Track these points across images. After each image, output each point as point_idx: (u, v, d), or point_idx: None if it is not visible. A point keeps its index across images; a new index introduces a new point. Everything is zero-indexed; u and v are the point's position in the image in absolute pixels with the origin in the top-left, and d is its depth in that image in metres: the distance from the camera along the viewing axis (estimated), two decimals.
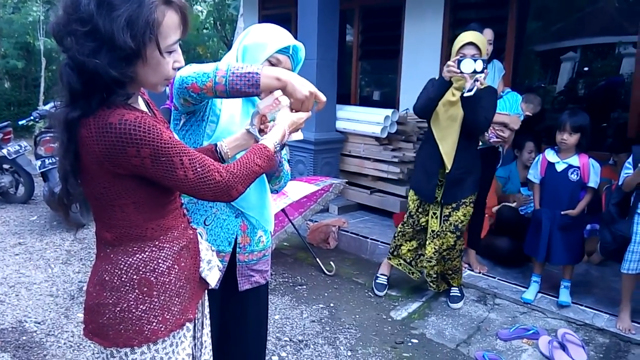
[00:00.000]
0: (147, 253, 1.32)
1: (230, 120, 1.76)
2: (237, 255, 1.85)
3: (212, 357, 1.63)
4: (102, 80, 1.15)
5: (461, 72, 3.10)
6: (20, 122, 6.01)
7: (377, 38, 7.04)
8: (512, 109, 3.95)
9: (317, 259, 4.33)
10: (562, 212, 3.50)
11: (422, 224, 3.58)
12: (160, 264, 1.33)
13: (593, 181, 3.48)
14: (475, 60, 3.07)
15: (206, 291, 1.58)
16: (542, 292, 3.74)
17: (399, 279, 4.15)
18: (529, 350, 3.13)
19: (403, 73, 6.26)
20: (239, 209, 1.81)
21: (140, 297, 1.30)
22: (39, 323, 3.32)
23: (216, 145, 1.59)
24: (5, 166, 6.26)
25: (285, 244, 4.84)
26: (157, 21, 1.18)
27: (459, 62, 3.09)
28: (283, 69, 1.51)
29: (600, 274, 4.18)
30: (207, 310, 1.61)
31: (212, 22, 16.39)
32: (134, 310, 1.29)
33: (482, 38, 3.27)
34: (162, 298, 1.33)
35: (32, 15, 12.09)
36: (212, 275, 1.51)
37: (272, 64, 1.75)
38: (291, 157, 5.50)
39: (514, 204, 4.51)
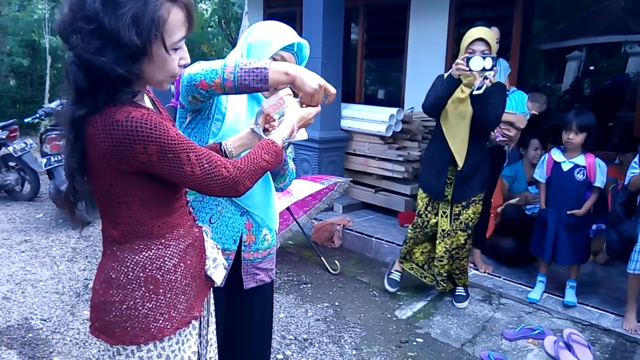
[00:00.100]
0: (153, 251, 1.32)
1: (236, 119, 1.76)
2: (242, 253, 1.85)
3: (217, 355, 1.63)
4: (108, 78, 1.16)
5: (470, 70, 3.06)
6: (25, 120, 6.03)
7: (382, 36, 7.02)
8: (518, 108, 3.93)
9: (322, 258, 4.32)
10: (568, 212, 3.49)
11: (432, 225, 3.54)
12: (167, 262, 1.34)
13: (599, 181, 3.46)
14: (484, 58, 3.02)
15: (211, 289, 1.58)
16: (548, 292, 3.73)
17: (404, 279, 4.13)
18: (534, 350, 3.12)
19: (408, 72, 6.25)
20: (244, 207, 1.81)
21: (146, 294, 1.30)
22: (44, 320, 3.33)
23: (220, 144, 1.59)
24: (11, 164, 6.28)
25: (290, 242, 4.84)
26: (163, 18, 1.18)
27: (468, 59, 3.04)
28: (291, 64, 1.51)
29: (606, 274, 4.17)
30: (212, 308, 1.61)
31: (216, 20, 16.39)
32: (140, 308, 1.30)
33: (491, 34, 3.23)
34: (168, 296, 1.33)
35: (37, 13, 12.12)
36: (218, 273, 1.51)
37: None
38: (296, 156, 5.46)
39: (515, 200, 4.48)
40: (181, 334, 1.38)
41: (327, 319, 3.47)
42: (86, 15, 1.14)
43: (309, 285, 4.01)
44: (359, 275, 4.24)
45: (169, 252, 1.34)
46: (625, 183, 3.31)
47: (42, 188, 6.41)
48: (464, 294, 3.69)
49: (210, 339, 1.58)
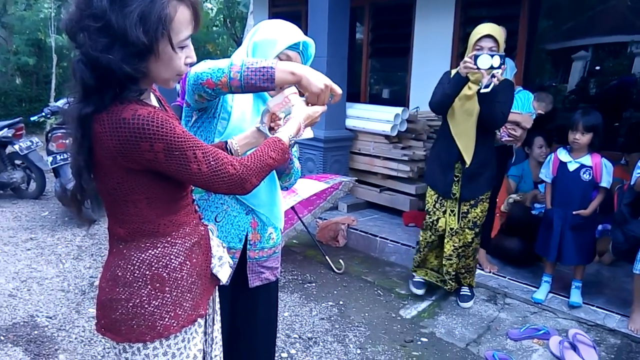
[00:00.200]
0: (159, 249, 1.32)
1: (242, 118, 1.76)
2: (247, 252, 1.85)
3: (222, 353, 1.63)
4: (115, 76, 1.16)
5: (478, 69, 3.04)
6: (31, 119, 6.06)
7: (387, 36, 7.01)
8: (524, 108, 3.92)
9: (327, 257, 4.33)
10: (574, 212, 3.47)
11: (442, 225, 3.52)
12: (173, 260, 1.34)
13: (605, 181, 3.44)
14: (492, 56, 3.00)
15: (217, 287, 1.59)
16: (553, 292, 3.71)
17: (407, 277, 4.13)
18: (539, 351, 3.12)
19: (413, 71, 6.24)
20: (249, 206, 1.82)
21: (152, 292, 1.31)
22: (50, 318, 3.34)
23: (226, 142, 1.60)
24: (17, 162, 6.31)
25: (294, 241, 4.84)
26: (170, 16, 1.18)
27: (476, 57, 3.02)
28: (297, 63, 1.51)
29: (612, 274, 4.15)
30: (217, 306, 1.61)
31: (222, 19, 16.43)
32: (146, 306, 1.30)
33: (499, 30, 3.19)
34: (174, 294, 1.34)
35: (43, 12, 12.18)
36: (223, 271, 1.51)
37: (282, 61, 1.75)
38: (301, 155, 5.50)
39: (517, 196, 4.46)
40: (187, 332, 1.38)
41: (332, 318, 3.47)
42: (93, 13, 1.14)
43: (314, 284, 4.01)
44: (363, 274, 4.23)
45: (175, 250, 1.35)
46: (632, 183, 3.30)
47: (47, 186, 6.43)
48: (469, 293, 3.68)
49: (216, 337, 1.58)
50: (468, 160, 3.32)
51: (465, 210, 3.45)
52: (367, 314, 3.55)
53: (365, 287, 4.00)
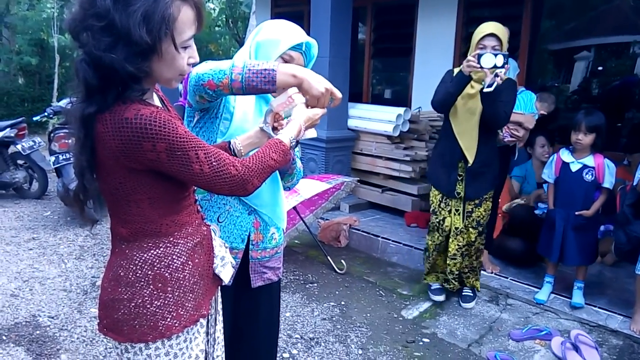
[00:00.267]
0: (161, 249, 1.32)
1: (244, 118, 1.76)
2: (250, 252, 1.85)
3: (224, 353, 1.63)
4: (118, 75, 1.16)
5: (481, 68, 3.03)
6: (34, 118, 6.07)
7: (389, 36, 7.01)
8: (526, 108, 3.91)
9: (328, 257, 4.33)
10: (577, 213, 3.47)
11: (447, 225, 3.50)
12: (175, 260, 1.34)
13: (608, 182, 3.44)
14: (495, 55, 2.99)
15: (219, 287, 1.59)
16: (555, 292, 3.71)
17: (409, 278, 4.14)
18: (541, 351, 3.11)
19: (415, 71, 6.24)
20: (252, 206, 1.82)
21: (154, 292, 1.31)
22: (52, 317, 3.35)
23: (229, 142, 1.60)
24: (20, 162, 6.32)
25: (296, 241, 4.84)
26: (173, 16, 1.18)
27: (479, 56, 3.01)
28: (299, 66, 1.51)
29: (614, 275, 4.14)
30: (220, 306, 1.61)
31: (224, 19, 16.44)
32: (148, 306, 1.30)
33: (503, 29, 3.18)
34: (176, 294, 1.34)
35: (46, 12, 12.19)
36: (226, 271, 1.51)
37: (285, 61, 1.75)
38: (303, 155, 5.50)
39: (522, 202, 4.46)
40: (189, 332, 1.38)
41: (334, 318, 3.47)
42: (97, 12, 1.14)
43: (315, 285, 4.01)
44: (365, 274, 4.23)
45: (177, 250, 1.35)
46: (634, 184, 3.29)
47: (50, 186, 6.45)
48: (471, 294, 3.67)
49: (218, 337, 1.58)
50: (470, 159, 3.32)
51: (470, 210, 3.44)
52: (368, 315, 3.54)
53: (367, 287, 4.00)
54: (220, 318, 1.61)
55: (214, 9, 16.75)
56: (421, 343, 3.20)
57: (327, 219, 5.08)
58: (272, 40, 1.75)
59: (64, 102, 5.87)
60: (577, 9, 5.75)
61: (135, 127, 1.16)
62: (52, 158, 5.45)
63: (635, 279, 3.31)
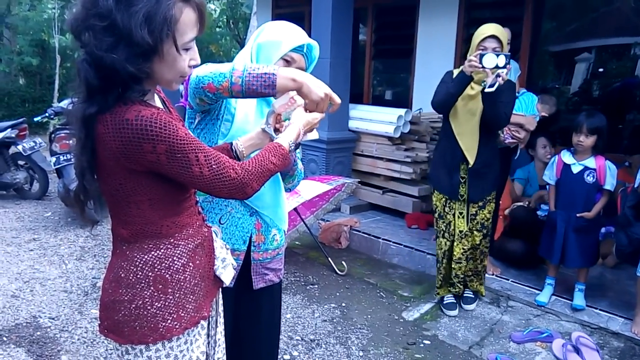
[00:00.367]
0: (162, 250, 1.32)
1: (245, 119, 1.76)
2: (251, 253, 1.85)
3: (225, 355, 1.63)
4: (118, 76, 1.16)
5: (483, 67, 3.02)
6: (35, 119, 6.07)
7: (390, 37, 7.01)
8: (528, 110, 3.91)
9: (329, 259, 4.32)
10: (578, 215, 3.46)
11: (454, 228, 3.47)
12: (175, 262, 1.34)
13: (609, 183, 3.43)
14: (497, 55, 2.99)
15: (220, 289, 1.58)
16: (556, 294, 3.70)
17: (410, 280, 4.14)
18: (542, 354, 3.10)
19: (416, 72, 6.24)
20: (253, 208, 1.82)
21: (155, 294, 1.30)
22: (53, 318, 3.35)
23: (231, 144, 1.60)
24: (20, 162, 6.32)
25: (297, 243, 4.84)
26: (175, 18, 1.18)
27: (481, 56, 3.01)
28: (299, 70, 1.51)
29: (615, 277, 4.14)
30: (221, 308, 1.61)
31: (225, 20, 16.45)
32: (149, 308, 1.30)
33: (503, 31, 3.18)
34: (177, 295, 1.33)
35: (47, 13, 12.21)
36: (227, 273, 1.51)
37: (286, 62, 1.75)
38: (303, 156, 5.49)
39: (525, 204, 4.46)
40: (190, 334, 1.38)
41: (334, 320, 3.47)
42: (99, 12, 1.14)
43: (316, 286, 4.00)
44: (366, 276, 4.23)
45: (178, 251, 1.34)
46: (635, 186, 3.29)
47: (51, 187, 6.45)
48: (472, 295, 3.66)
49: (219, 339, 1.58)
50: (471, 160, 3.31)
51: (474, 212, 3.43)
52: (369, 316, 3.54)
53: (367, 289, 3.99)
54: (221, 320, 1.61)
55: (215, 10, 16.76)
56: (422, 345, 3.19)
57: (327, 220, 5.08)
58: (273, 41, 1.75)
59: (64, 103, 5.87)
60: (578, 10, 5.75)
61: (136, 128, 1.16)
62: (53, 159, 5.45)
63: (636, 281, 3.31)
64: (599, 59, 5.92)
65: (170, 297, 1.32)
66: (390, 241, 4.68)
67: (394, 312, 3.61)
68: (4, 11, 12.72)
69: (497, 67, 3.00)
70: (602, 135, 3.39)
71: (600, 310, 3.52)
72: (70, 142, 5.15)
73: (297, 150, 1.92)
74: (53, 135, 5.58)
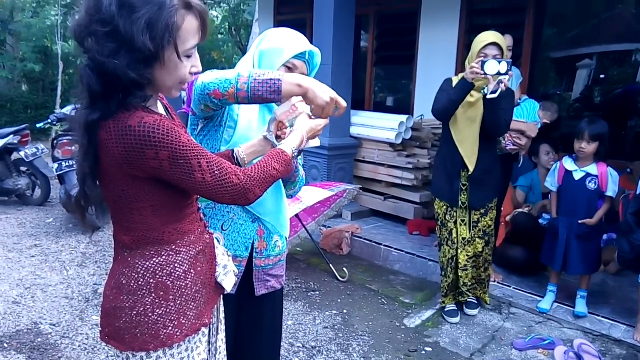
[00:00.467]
0: (164, 257, 1.32)
1: (248, 126, 1.76)
2: (253, 260, 1.85)
3: None
4: (120, 82, 1.16)
5: (485, 74, 3.03)
6: (37, 125, 6.09)
7: (392, 44, 7.04)
8: (529, 117, 3.92)
9: (330, 265, 4.31)
10: (580, 221, 3.46)
11: (456, 236, 3.46)
12: (177, 268, 1.33)
13: (611, 190, 3.43)
14: (499, 62, 3.00)
15: (222, 296, 1.58)
16: (558, 301, 3.69)
17: (412, 286, 4.13)
18: None
19: (418, 79, 6.25)
20: (255, 214, 1.82)
21: (156, 301, 1.30)
22: (54, 325, 3.34)
23: (233, 151, 1.60)
24: (23, 168, 6.33)
25: (298, 249, 4.83)
26: (177, 25, 1.19)
27: (483, 63, 3.02)
28: (304, 76, 1.52)
29: (618, 284, 4.12)
30: (222, 315, 1.61)
31: (227, 27, 16.49)
32: (150, 315, 1.29)
33: (502, 38, 3.20)
34: (178, 302, 1.33)
35: (50, 20, 12.27)
36: (228, 280, 1.51)
37: (288, 69, 1.76)
38: (305, 163, 5.50)
39: (526, 210, 4.46)
40: (190, 341, 1.37)
41: (336, 327, 3.46)
42: (102, 18, 1.15)
43: (318, 293, 4.00)
44: (367, 283, 4.22)
45: (180, 258, 1.34)
46: (638, 192, 3.28)
47: (52, 193, 6.46)
48: (475, 301, 3.65)
49: (220, 346, 1.58)
50: (471, 167, 3.31)
51: (476, 220, 3.43)
52: (371, 323, 3.53)
53: (369, 295, 3.99)
54: (222, 327, 1.60)
55: (217, 17, 16.81)
56: (424, 352, 3.18)
57: (329, 227, 5.07)
58: (275, 48, 1.76)
59: (67, 109, 5.89)
60: (579, 17, 5.76)
61: (139, 134, 1.17)
62: (55, 165, 5.45)
63: (638, 288, 3.29)
64: (600, 65, 5.93)
65: (172, 304, 1.32)
66: (391, 248, 4.67)
67: (396, 319, 3.60)
68: (7, 18, 12.78)
69: (499, 74, 3.01)
70: (604, 141, 3.39)
71: (602, 317, 3.51)
72: (73, 148, 5.16)
73: (299, 157, 1.92)
74: (55, 142, 5.58)
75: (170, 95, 1.32)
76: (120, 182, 1.24)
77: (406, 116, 5.25)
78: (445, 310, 3.60)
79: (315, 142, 1.63)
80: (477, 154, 3.31)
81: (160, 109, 1.37)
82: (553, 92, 6.11)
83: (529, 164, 4.75)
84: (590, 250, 3.52)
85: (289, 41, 1.77)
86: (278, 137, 1.60)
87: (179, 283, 1.33)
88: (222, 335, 1.59)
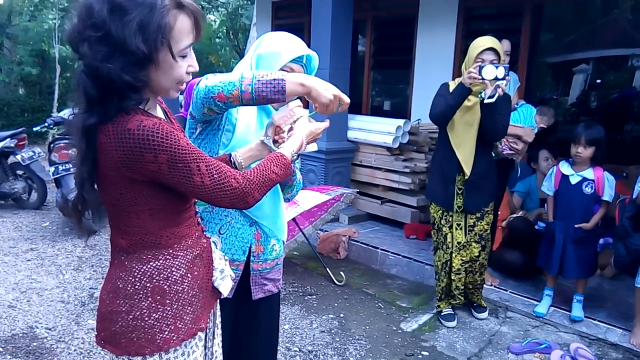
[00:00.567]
0: (160, 261, 1.32)
1: (246, 130, 1.76)
2: (251, 264, 1.85)
3: None
4: (115, 86, 1.16)
5: (483, 79, 3.04)
6: (34, 129, 6.07)
7: (389, 48, 7.05)
8: (526, 122, 3.93)
9: (327, 269, 4.31)
10: (576, 226, 3.47)
11: (451, 240, 3.46)
12: (174, 272, 1.33)
13: (608, 194, 3.44)
14: (497, 67, 3.01)
15: (218, 301, 1.58)
16: (555, 305, 3.70)
17: (408, 290, 4.13)
18: None
19: (415, 83, 6.27)
20: (253, 218, 1.82)
21: (153, 305, 1.30)
22: (49, 329, 3.33)
23: (230, 155, 1.60)
24: (19, 172, 6.31)
25: (295, 253, 4.83)
26: (169, 25, 1.18)
27: (481, 68, 3.03)
28: (306, 75, 1.53)
29: (614, 288, 4.13)
30: (218, 319, 1.60)
31: (224, 31, 16.52)
32: (146, 319, 1.29)
33: (499, 43, 3.21)
34: (174, 307, 1.33)
35: (47, 23, 12.25)
36: (225, 284, 1.50)
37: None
38: (302, 166, 5.47)
39: (522, 213, 4.46)
40: (187, 345, 1.37)
41: (332, 331, 3.46)
42: (94, 23, 1.15)
43: (314, 297, 3.99)
44: (364, 287, 4.22)
45: (177, 262, 1.34)
46: (634, 197, 3.29)
47: (49, 197, 6.44)
48: (484, 304, 3.67)
49: (216, 351, 1.57)
50: (468, 171, 3.32)
51: (472, 224, 3.44)
52: (367, 327, 3.53)
53: (366, 299, 3.98)
54: (218, 332, 1.60)
55: (215, 21, 16.84)
56: (420, 356, 3.18)
57: (326, 231, 5.07)
58: (273, 52, 1.76)
59: (64, 113, 5.88)
60: (575, 22, 5.79)
61: (138, 138, 1.17)
62: (52, 168, 5.44)
63: (634, 292, 3.30)
64: (596, 70, 5.96)
65: (168, 308, 1.32)
66: (388, 251, 4.67)
67: (392, 323, 3.59)
68: (4, 21, 12.77)
69: (496, 78, 3.02)
70: (600, 146, 3.41)
71: (598, 321, 3.52)
72: (69, 152, 5.15)
73: (296, 161, 1.92)
74: (52, 145, 5.57)
75: (168, 96, 1.32)
76: (119, 185, 1.24)
77: (403, 120, 5.26)
78: (442, 314, 3.61)
79: (313, 147, 1.63)
80: (473, 158, 3.32)
81: (160, 113, 1.37)
82: (549, 97, 6.14)
83: (527, 170, 4.76)
84: (587, 254, 3.53)
85: (287, 45, 1.77)
86: (275, 142, 1.60)
87: (175, 287, 1.33)
88: (218, 339, 1.59)
